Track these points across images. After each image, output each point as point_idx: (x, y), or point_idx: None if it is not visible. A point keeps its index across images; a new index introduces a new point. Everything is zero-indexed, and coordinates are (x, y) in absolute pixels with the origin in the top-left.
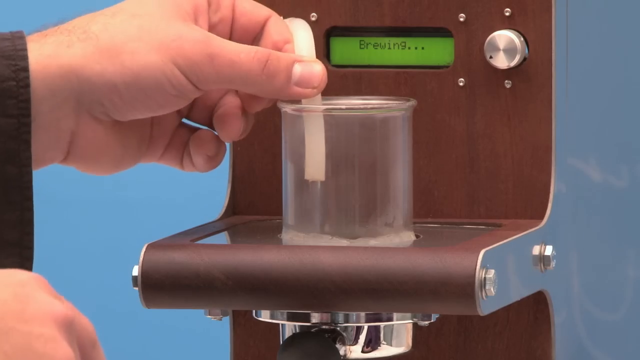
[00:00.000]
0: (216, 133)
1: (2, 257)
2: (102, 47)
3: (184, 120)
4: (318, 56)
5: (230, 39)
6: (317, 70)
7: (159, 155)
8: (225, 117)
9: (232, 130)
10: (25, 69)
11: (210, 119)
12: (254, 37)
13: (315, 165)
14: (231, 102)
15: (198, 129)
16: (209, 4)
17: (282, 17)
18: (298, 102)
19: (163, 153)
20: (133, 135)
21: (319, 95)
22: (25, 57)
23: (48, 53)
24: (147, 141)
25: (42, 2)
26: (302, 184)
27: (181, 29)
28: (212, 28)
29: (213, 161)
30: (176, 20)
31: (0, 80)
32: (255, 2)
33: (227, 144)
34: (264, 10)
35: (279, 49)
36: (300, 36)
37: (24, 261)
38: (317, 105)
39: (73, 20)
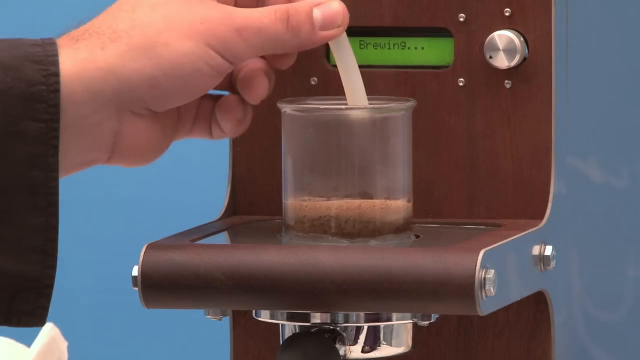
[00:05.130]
0: (240, 96)
1: (24, 264)
2: (135, 44)
3: None
4: (319, 56)
5: (235, 4)
6: (336, 7)
7: (189, 129)
8: (250, 80)
9: (259, 91)
10: (56, 74)
11: (230, 84)
12: None
13: (357, 91)
14: (253, 64)
15: (220, 96)
16: None
17: None
18: (298, 102)
19: (192, 127)
20: (168, 120)
21: (345, 35)
22: (56, 63)
23: (83, 57)
24: (177, 121)
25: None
26: (303, 184)
27: (203, 11)
28: None
29: (242, 124)
30: (193, 2)
31: (30, 84)
32: None
33: (228, 139)
34: None
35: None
36: None
37: (46, 269)
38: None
39: (95, 20)
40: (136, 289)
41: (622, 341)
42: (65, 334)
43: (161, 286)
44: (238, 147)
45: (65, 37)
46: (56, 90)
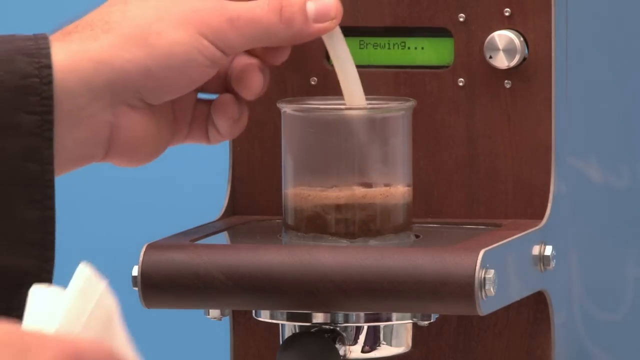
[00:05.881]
0: (235, 95)
1: (21, 258)
2: (128, 34)
3: (200, 95)
4: (319, 56)
5: None
6: (330, 1)
7: (185, 134)
8: (244, 75)
9: (254, 86)
10: (49, 66)
11: (225, 87)
12: None
13: (354, 91)
14: (246, 60)
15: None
16: None
17: None
18: (298, 102)
19: (188, 132)
20: (164, 118)
21: (339, 29)
22: (48, 55)
23: (76, 49)
24: (173, 123)
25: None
26: (303, 183)
27: (195, 2)
28: None
29: (238, 124)
30: None
31: (23, 76)
32: None
33: (230, 135)
34: None
35: None
36: None
37: (44, 263)
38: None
39: (87, 15)
40: (136, 289)
41: (622, 341)
42: None
43: (161, 286)
44: (238, 147)
45: (58, 33)
46: (49, 83)
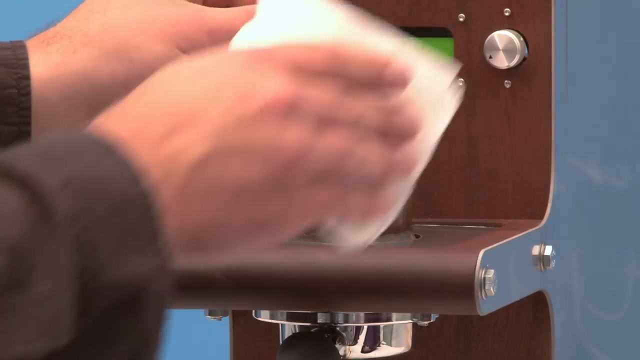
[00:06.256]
0: None
1: None
2: (107, 48)
3: None
4: None
5: (204, 3)
6: None
7: None
8: None
9: None
10: (27, 77)
11: None
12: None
13: None
14: None
15: None
16: None
17: None
18: None
19: None
20: None
21: None
22: (26, 66)
23: (56, 61)
24: None
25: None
26: None
27: (175, 12)
28: None
29: None
30: (164, 2)
31: (1, 87)
32: None
33: None
34: None
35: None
36: None
37: None
38: None
39: (65, 22)
40: None
41: (622, 341)
42: None
43: None
44: None
45: (36, 40)
46: (27, 94)
